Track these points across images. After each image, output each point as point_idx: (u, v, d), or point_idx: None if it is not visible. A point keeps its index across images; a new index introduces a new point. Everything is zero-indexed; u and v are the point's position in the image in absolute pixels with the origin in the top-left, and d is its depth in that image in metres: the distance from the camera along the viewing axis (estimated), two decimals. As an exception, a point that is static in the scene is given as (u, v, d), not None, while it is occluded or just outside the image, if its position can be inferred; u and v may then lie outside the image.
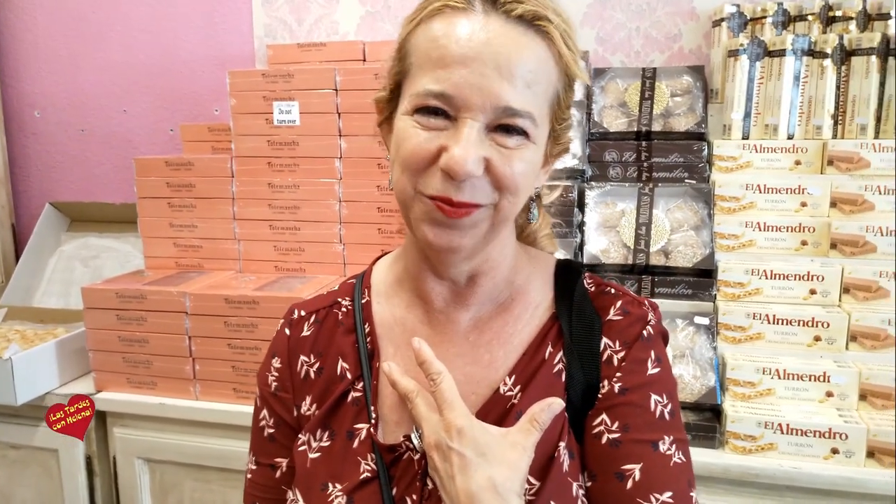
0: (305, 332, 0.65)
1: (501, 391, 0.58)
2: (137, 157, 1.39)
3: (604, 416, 0.56)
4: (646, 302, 0.61)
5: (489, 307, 0.61)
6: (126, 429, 1.27)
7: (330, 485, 0.58)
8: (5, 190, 1.72)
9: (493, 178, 0.52)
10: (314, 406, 0.62)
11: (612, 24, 1.51)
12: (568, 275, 0.63)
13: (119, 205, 1.65)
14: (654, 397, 0.56)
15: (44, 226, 1.68)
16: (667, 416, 0.56)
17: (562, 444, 0.55)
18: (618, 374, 0.57)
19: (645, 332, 0.58)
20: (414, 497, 0.56)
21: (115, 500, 1.32)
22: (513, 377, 0.58)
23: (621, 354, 0.57)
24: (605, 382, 0.57)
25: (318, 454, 0.60)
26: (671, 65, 1.48)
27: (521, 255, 0.63)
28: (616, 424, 0.56)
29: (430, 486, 0.55)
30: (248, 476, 0.67)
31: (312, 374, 0.63)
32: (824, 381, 1.04)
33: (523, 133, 0.52)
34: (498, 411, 0.57)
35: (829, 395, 1.04)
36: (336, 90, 1.28)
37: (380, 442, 0.58)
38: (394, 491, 0.56)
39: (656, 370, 0.58)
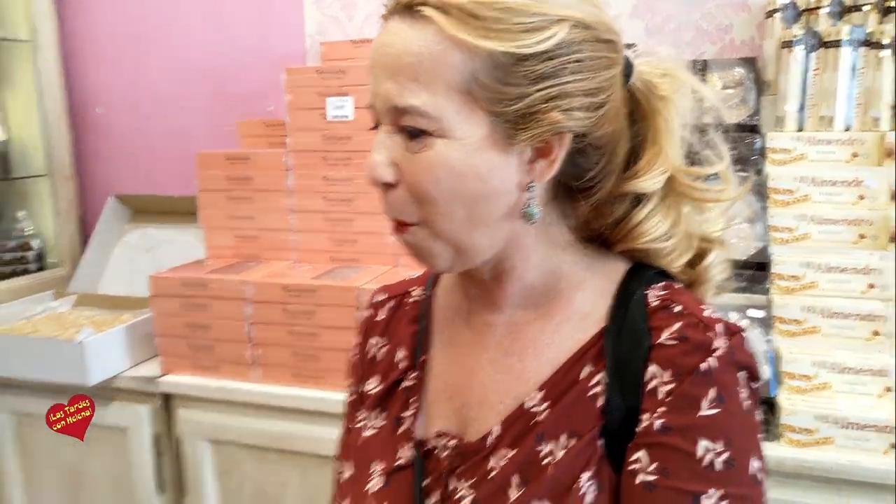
0: (381, 316, 0.68)
1: (527, 406, 0.55)
2: (199, 152, 1.44)
3: (642, 453, 0.50)
4: (718, 327, 0.51)
5: (525, 313, 0.58)
6: (190, 410, 1.33)
7: (373, 464, 0.60)
8: (72, 184, 1.81)
9: (408, 188, 0.51)
10: (376, 387, 0.64)
11: (662, 16, 1.51)
12: (638, 285, 0.55)
13: (178, 197, 1.72)
14: (702, 443, 0.48)
15: (107, 217, 1.75)
16: (718, 467, 0.48)
17: (585, 475, 0.51)
18: (661, 409, 0.50)
19: (704, 364, 0.49)
20: (439, 493, 0.57)
21: (180, 479, 1.38)
22: (542, 392, 0.55)
23: (669, 387, 0.50)
24: (647, 415, 0.50)
25: (371, 432, 0.63)
26: (723, 57, 1.47)
27: (576, 259, 0.58)
28: (654, 466, 0.49)
29: (451, 487, 0.56)
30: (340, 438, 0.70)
31: (379, 357, 0.66)
32: (883, 376, 1.03)
33: (421, 132, 0.49)
34: (519, 427, 0.55)
35: (888, 390, 1.03)
36: (390, 85, 1.31)
37: (415, 434, 0.59)
38: (426, 482, 0.57)
39: (713, 411, 0.49)
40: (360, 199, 1.36)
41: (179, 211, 1.73)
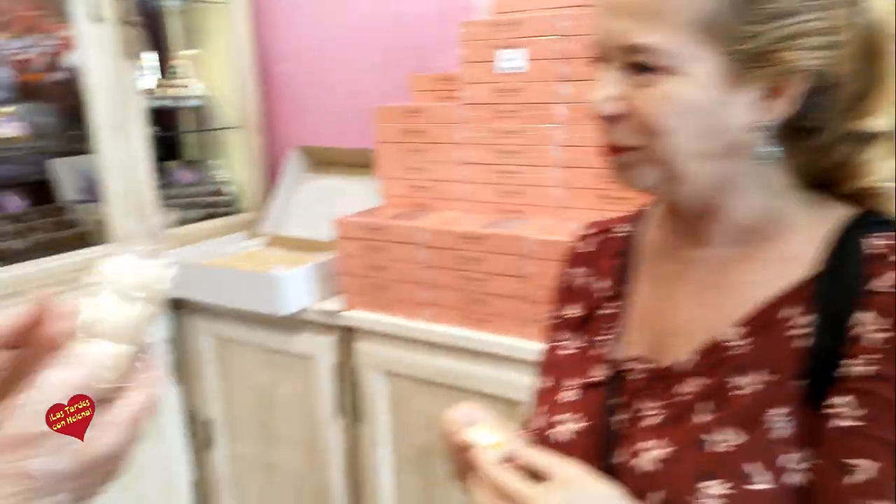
0: (586, 248, 0.75)
1: (723, 339, 0.57)
2: (378, 105, 1.54)
3: (847, 398, 0.50)
4: None
5: (731, 250, 0.59)
6: (368, 344, 1.46)
7: (568, 379, 0.67)
8: (260, 136, 1.99)
9: (637, 120, 0.53)
10: (577, 312, 0.71)
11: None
12: (858, 232, 0.55)
13: (353, 149, 1.84)
14: None
15: (291, 167, 1.92)
16: None
17: (777, 412, 0.52)
18: (874, 357, 0.49)
19: None
20: (628, 411, 0.62)
21: (356, 406, 1.53)
22: (742, 328, 0.56)
23: (885, 335, 0.49)
24: (853, 361, 0.50)
25: (569, 352, 0.70)
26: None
27: (790, 202, 0.58)
28: (859, 412, 0.49)
29: (641, 407, 0.60)
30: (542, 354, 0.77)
31: (581, 285, 0.73)
32: None
33: (651, 69, 0.51)
34: (713, 358, 0.57)
35: None
36: (563, 36, 1.32)
37: (611, 356, 0.65)
38: (617, 400, 0.62)
39: None
40: (527, 152, 1.39)
41: (354, 163, 1.85)
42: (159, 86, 1.91)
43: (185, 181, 1.98)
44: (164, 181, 1.96)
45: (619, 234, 0.72)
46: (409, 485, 1.51)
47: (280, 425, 1.67)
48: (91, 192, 1.77)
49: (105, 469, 0.40)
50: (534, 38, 1.34)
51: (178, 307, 1.73)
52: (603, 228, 0.74)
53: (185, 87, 1.93)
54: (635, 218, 0.73)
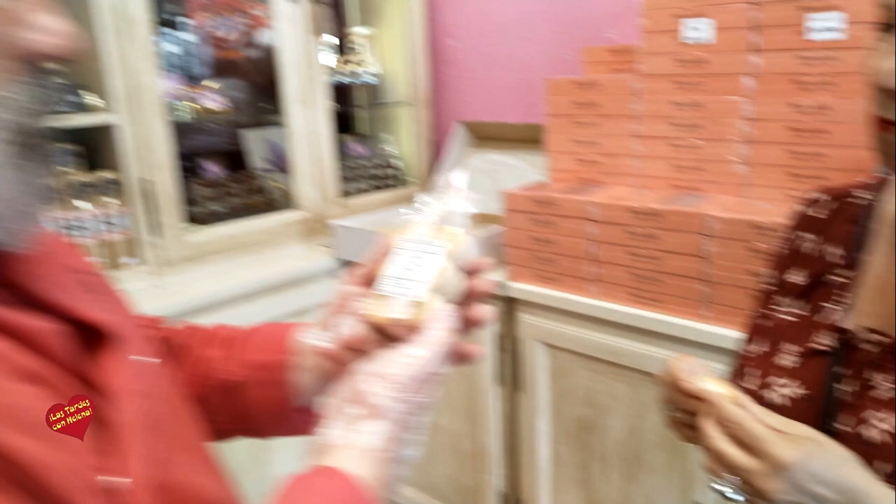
0: (817, 213, 0.72)
1: None
2: (549, 78, 1.53)
3: None
4: None
5: None
6: (531, 315, 1.48)
7: (787, 344, 0.66)
8: (429, 110, 2.06)
9: None
10: (801, 278, 0.70)
11: None
12: None
13: (517, 124, 1.85)
14: None
15: (454, 142, 1.97)
16: None
17: None
18: None
19: None
20: (854, 382, 0.59)
21: (516, 375, 1.56)
22: None
23: None
24: None
25: (789, 318, 0.68)
26: None
27: None
28: None
29: (869, 379, 0.57)
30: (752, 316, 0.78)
31: (807, 250, 0.71)
32: None
33: None
34: None
35: None
36: (755, 3, 1.24)
37: (841, 325, 0.62)
38: (842, 369, 0.60)
39: None
40: (709, 126, 1.33)
41: (516, 138, 1.87)
42: (338, 63, 2.04)
43: (357, 154, 2.10)
44: (340, 153, 2.10)
45: (858, 201, 0.69)
46: (565, 456, 1.52)
47: (443, 389, 1.73)
48: (277, 161, 1.93)
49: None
50: (722, 6, 1.27)
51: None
52: (839, 194, 0.71)
53: (363, 64, 2.04)
54: (876, 186, 0.69)
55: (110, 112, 1.43)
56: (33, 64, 0.39)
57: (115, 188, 1.48)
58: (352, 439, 0.45)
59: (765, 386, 0.65)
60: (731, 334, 1.21)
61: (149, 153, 1.49)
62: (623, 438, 1.42)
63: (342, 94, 2.11)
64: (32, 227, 0.41)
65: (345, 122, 2.18)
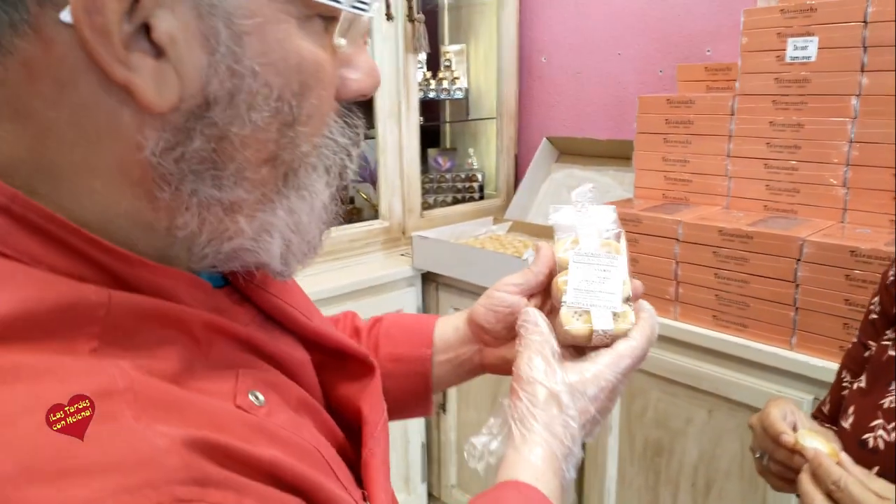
0: None
1: None
2: (641, 95, 1.52)
3: None
4: None
5: None
6: (608, 334, 1.46)
7: (893, 382, 0.62)
8: (514, 125, 2.08)
9: None
10: None
11: None
12: None
13: (603, 140, 1.84)
14: None
15: (540, 157, 1.98)
16: None
17: None
18: None
19: None
20: None
21: (589, 393, 1.54)
22: None
23: None
24: None
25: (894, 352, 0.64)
26: None
27: None
28: None
29: None
30: (850, 346, 0.75)
31: None
32: None
33: None
34: None
35: None
36: (865, 22, 1.19)
37: None
38: None
39: None
40: (808, 147, 1.28)
41: (602, 154, 1.86)
42: (429, 78, 2.09)
43: (440, 167, 2.14)
44: (425, 166, 2.15)
45: None
46: (633, 478, 1.48)
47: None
48: (366, 174, 2.00)
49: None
50: (827, 26, 1.22)
51: (428, 280, 1.88)
52: None
53: (454, 80, 2.09)
54: None
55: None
56: (350, 103, 0.40)
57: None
58: (538, 452, 0.46)
59: (866, 428, 0.62)
60: (818, 363, 1.15)
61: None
62: (695, 464, 1.37)
63: (431, 108, 2.16)
64: (314, 256, 0.41)
65: (432, 136, 2.23)
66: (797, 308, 1.18)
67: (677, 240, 1.33)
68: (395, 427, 1.86)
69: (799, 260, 1.16)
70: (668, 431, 1.40)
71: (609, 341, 0.52)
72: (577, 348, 0.54)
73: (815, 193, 1.28)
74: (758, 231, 1.21)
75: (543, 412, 0.47)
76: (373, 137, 1.83)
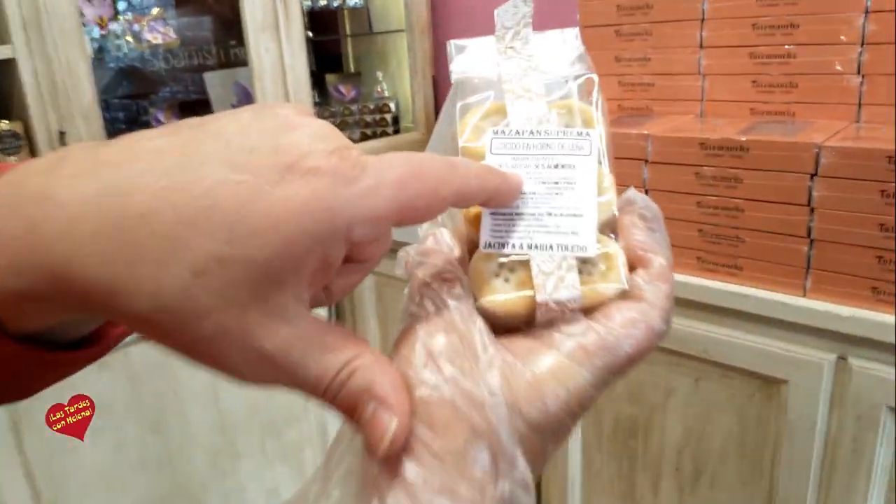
0: None
1: None
2: (583, -24, 1.16)
3: None
4: None
5: None
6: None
7: None
8: (428, 38, 1.69)
9: None
10: None
11: None
12: None
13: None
14: None
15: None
16: None
17: None
18: None
19: None
20: None
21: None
22: None
23: None
24: None
25: None
26: None
27: None
28: None
29: None
30: None
31: None
32: None
33: None
34: None
35: None
36: None
37: None
38: None
39: None
40: (807, 24, 0.96)
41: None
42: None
43: (346, 97, 1.75)
44: (324, 97, 1.75)
45: None
46: (601, 467, 1.20)
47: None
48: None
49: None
50: None
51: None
52: None
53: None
54: None
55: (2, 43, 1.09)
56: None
57: (17, 142, 1.15)
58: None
59: None
60: (843, 312, 0.87)
61: (66, 98, 1.15)
62: (679, 445, 1.09)
63: (323, 20, 1.75)
64: None
65: (331, 60, 1.83)
66: (812, 240, 0.88)
67: (646, 160, 1.00)
68: (311, 420, 1.53)
69: (814, 175, 0.85)
70: (643, 407, 1.11)
71: (574, 312, 0.27)
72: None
73: (819, 87, 0.97)
74: (755, 140, 0.89)
75: (438, 465, 0.23)
76: (245, 63, 1.43)
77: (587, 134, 0.29)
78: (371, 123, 1.73)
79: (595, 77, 0.31)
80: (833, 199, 0.85)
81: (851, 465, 0.90)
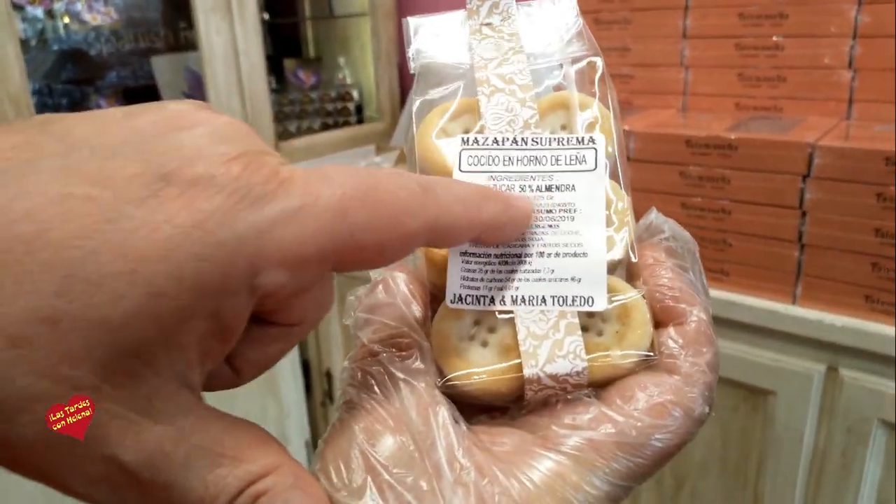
0: None
1: None
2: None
3: None
4: None
5: None
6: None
7: None
8: (393, 23, 1.60)
9: None
10: None
11: None
12: None
13: (509, 36, 1.41)
14: None
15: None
16: None
17: None
18: None
19: None
20: None
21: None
22: None
23: None
24: None
25: None
26: None
27: None
28: None
29: None
30: None
31: None
32: None
33: None
34: None
35: None
36: None
37: None
38: None
39: None
40: (797, 15, 0.90)
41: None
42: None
43: (305, 84, 1.65)
44: (282, 83, 1.65)
45: None
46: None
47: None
48: (195, 95, 1.48)
49: None
50: None
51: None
52: None
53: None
54: None
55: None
56: None
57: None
58: None
59: None
60: (834, 321, 0.82)
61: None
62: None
63: (279, 2, 1.65)
64: None
65: (289, 44, 1.72)
66: (803, 245, 0.83)
67: (627, 158, 0.94)
68: (267, 421, 1.45)
69: (807, 176, 0.80)
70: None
71: (579, 389, 0.20)
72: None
73: (807, 81, 0.92)
74: (744, 138, 0.84)
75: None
76: (196, 47, 1.32)
77: (591, 140, 0.22)
78: (332, 112, 1.64)
79: (600, 60, 0.24)
80: (826, 202, 0.80)
81: (839, 480, 0.86)
